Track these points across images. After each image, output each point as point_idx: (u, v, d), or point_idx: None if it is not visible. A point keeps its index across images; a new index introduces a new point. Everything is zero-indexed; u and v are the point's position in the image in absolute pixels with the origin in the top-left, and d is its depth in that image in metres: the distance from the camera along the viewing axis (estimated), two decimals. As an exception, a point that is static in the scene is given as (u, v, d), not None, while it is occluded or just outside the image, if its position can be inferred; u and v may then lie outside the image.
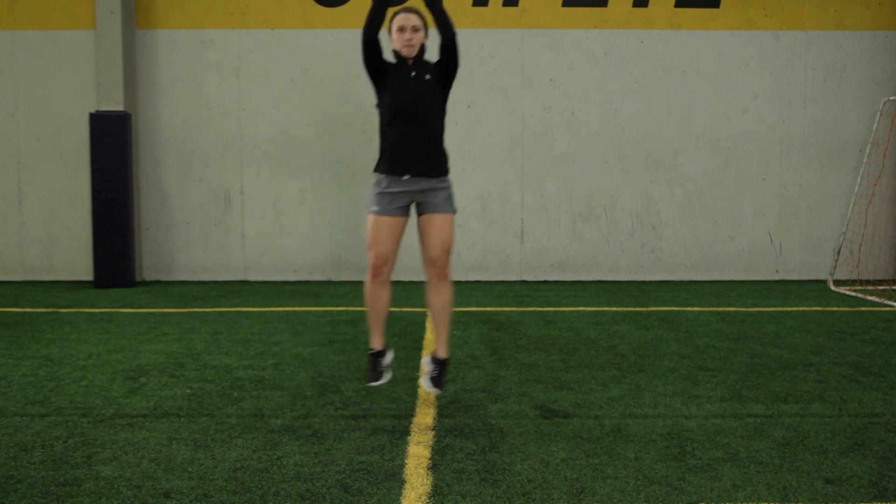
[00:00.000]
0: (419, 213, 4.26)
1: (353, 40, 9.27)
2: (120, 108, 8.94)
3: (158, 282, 9.40)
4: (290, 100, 9.37)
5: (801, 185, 9.57)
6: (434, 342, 4.42)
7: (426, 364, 4.46)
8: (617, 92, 9.43)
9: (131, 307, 7.63)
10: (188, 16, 9.30)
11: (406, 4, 4.35)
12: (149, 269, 9.50)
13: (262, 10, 9.31)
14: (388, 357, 4.46)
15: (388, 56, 4.26)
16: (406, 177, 4.15)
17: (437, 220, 4.20)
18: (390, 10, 4.28)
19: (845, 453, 3.68)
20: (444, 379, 4.29)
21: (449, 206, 4.25)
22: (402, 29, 4.17)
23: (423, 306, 7.63)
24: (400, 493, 3.23)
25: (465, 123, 9.39)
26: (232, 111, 9.36)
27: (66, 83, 9.26)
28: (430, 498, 3.19)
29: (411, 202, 4.23)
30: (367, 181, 9.37)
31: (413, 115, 4.13)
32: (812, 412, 4.31)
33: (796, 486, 3.31)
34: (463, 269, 9.51)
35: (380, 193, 4.19)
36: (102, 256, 8.91)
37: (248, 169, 9.41)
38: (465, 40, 9.34)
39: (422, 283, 9.31)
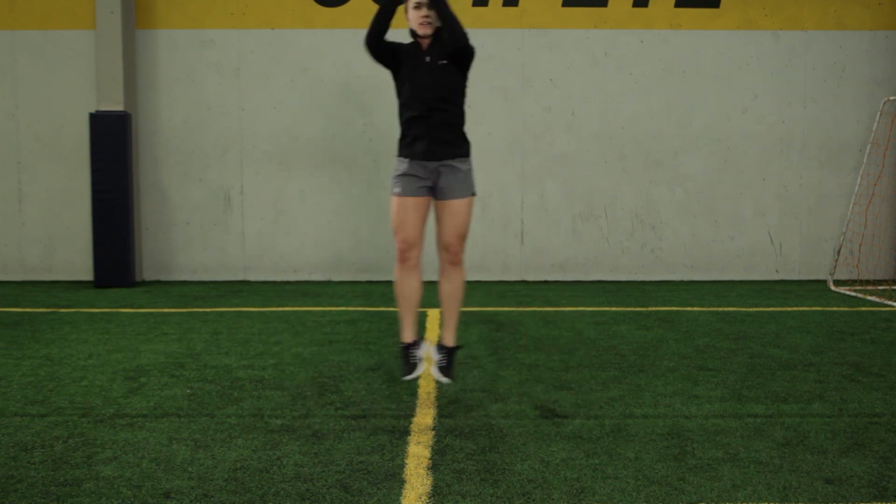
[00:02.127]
0: (436, 198, 4.21)
1: (353, 40, 9.27)
2: (120, 108, 8.94)
3: (158, 282, 9.40)
4: (290, 100, 9.37)
5: (801, 185, 9.57)
6: (441, 329, 4.35)
7: (432, 353, 4.37)
8: (617, 92, 9.43)
9: (131, 307, 7.63)
10: (188, 16, 9.30)
11: None
12: (149, 269, 9.50)
13: (262, 10, 9.31)
14: (423, 348, 4.35)
15: (403, 38, 4.15)
16: (427, 161, 4.12)
17: (452, 206, 4.17)
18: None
19: (845, 453, 3.68)
20: (454, 368, 4.22)
21: (466, 191, 4.19)
22: (418, 6, 4.07)
23: (422, 306, 7.62)
24: (400, 493, 3.23)
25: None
26: (232, 111, 9.36)
27: (66, 83, 9.26)
28: (430, 498, 3.19)
29: (433, 184, 4.18)
30: (367, 181, 9.38)
31: (430, 101, 4.07)
32: (812, 412, 4.31)
33: (796, 486, 3.31)
34: (463, 269, 9.50)
35: (401, 175, 4.15)
36: (102, 256, 8.91)
37: (248, 169, 9.41)
38: (465, 40, 9.34)
39: (425, 281, 9.30)
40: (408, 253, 4.15)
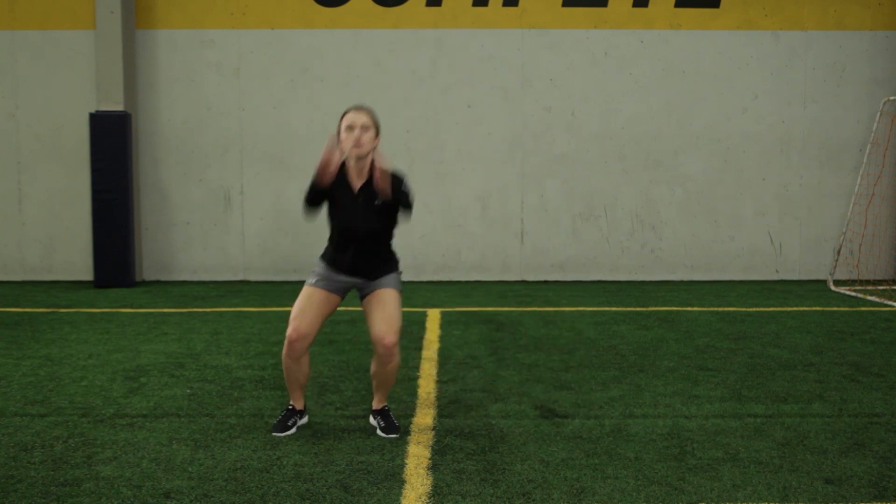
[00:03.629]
0: (363, 294, 4.01)
1: (353, 40, 9.28)
2: (120, 108, 8.94)
3: (158, 282, 9.40)
4: (290, 100, 9.37)
5: (801, 185, 9.57)
6: (374, 396, 4.09)
7: (371, 419, 4.10)
8: (617, 92, 9.43)
9: (131, 307, 7.63)
10: (188, 16, 9.30)
11: (357, 105, 4.09)
12: (149, 269, 9.50)
13: (262, 10, 9.31)
14: (304, 419, 4.11)
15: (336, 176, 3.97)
16: (349, 276, 3.99)
17: (383, 296, 3.93)
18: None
19: (845, 453, 3.68)
20: (394, 421, 4.00)
21: (396, 285, 4.00)
22: (350, 127, 3.90)
23: (422, 306, 7.63)
24: (400, 493, 3.23)
25: (465, 123, 9.40)
26: (232, 111, 9.36)
27: (66, 83, 9.26)
28: (430, 498, 3.19)
29: (352, 288, 4.04)
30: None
31: (359, 237, 3.93)
32: (812, 412, 4.31)
33: (796, 486, 3.31)
34: (463, 269, 9.51)
35: (320, 273, 4.00)
36: (102, 256, 8.91)
37: (248, 169, 9.41)
38: (466, 40, 9.35)
39: (419, 283, 9.32)
40: (296, 344, 3.86)
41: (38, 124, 9.31)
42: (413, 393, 4.66)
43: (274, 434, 3.93)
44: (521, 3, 9.33)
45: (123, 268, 8.95)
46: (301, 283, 9.95)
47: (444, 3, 9.30)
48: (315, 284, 3.98)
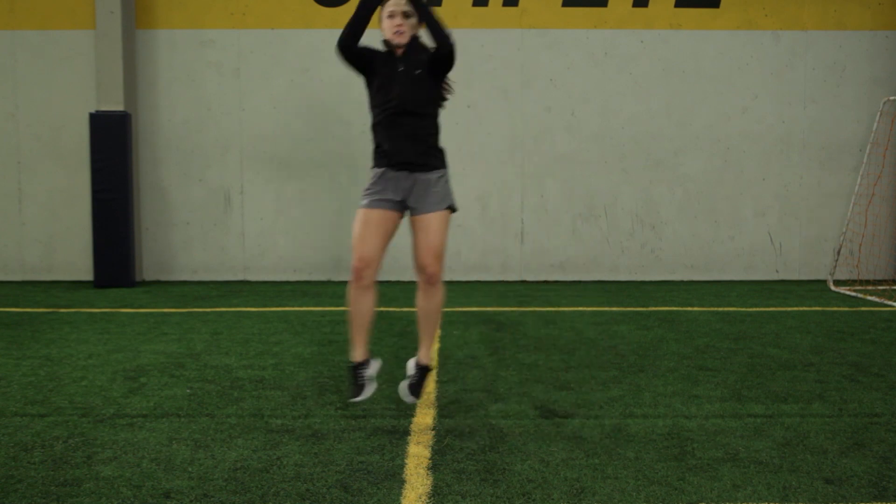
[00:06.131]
0: (411, 214, 3.97)
1: (353, 40, 9.28)
2: (120, 108, 8.94)
3: (158, 282, 9.40)
4: (290, 100, 9.37)
5: (801, 185, 9.57)
6: (419, 347, 4.14)
7: (410, 367, 4.19)
8: (617, 92, 9.43)
9: (131, 307, 7.63)
10: (188, 16, 9.30)
11: None
12: (149, 269, 9.50)
13: (262, 10, 9.31)
14: (373, 367, 4.10)
15: (377, 44, 3.98)
16: (400, 172, 3.92)
17: (427, 221, 3.90)
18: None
19: (845, 453, 3.68)
20: (423, 388, 3.98)
21: (443, 204, 3.93)
22: (392, 15, 3.88)
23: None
24: (400, 493, 3.23)
25: (465, 123, 9.40)
26: (232, 111, 9.36)
27: (66, 83, 9.26)
28: (430, 498, 3.18)
29: (405, 198, 3.96)
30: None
31: (403, 113, 3.88)
32: (812, 412, 4.30)
33: (796, 486, 3.31)
34: (463, 269, 9.51)
35: (372, 187, 3.94)
36: (102, 256, 8.91)
37: (248, 169, 9.41)
38: (465, 40, 9.34)
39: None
40: (363, 272, 3.83)
41: (38, 124, 9.31)
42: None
43: (354, 400, 3.94)
44: (521, 3, 9.33)
45: (123, 268, 8.95)
46: (301, 283, 9.98)
47: (443, 3, 9.31)
48: (369, 206, 3.90)
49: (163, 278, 9.50)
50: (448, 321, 6.89)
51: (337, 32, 9.40)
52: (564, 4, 9.36)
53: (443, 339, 6.18)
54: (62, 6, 9.21)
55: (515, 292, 8.63)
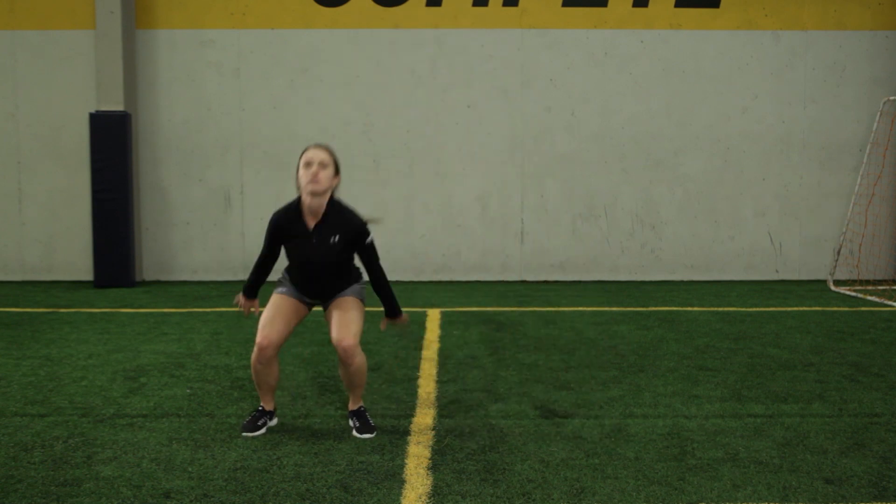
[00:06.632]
0: (325, 307, 4.07)
1: (353, 40, 9.28)
2: (120, 108, 8.94)
3: (158, 282, 9.40)
4: (290, 100, 9.37)
5: (801, 185, 9.57)
6: (349, 397, 4.10)
7: (350, 419, 4.08)
8: (617, 92, 9.43)
9: (131, 307, 7.63)
10: (188, 16, 9.30)
11: (318, 143, 4.16)
12: (149, 269, 9.50)
13: (262, 10, 9.31)
14: (273, 421, 4.09)
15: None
16: (314, 298, 4.08)
17: (339, 303, 3.98)
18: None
19: (845, 453, 3.68)
20: (370, 422, 3.99)
21: (354, 293, 4.04)
22: (308, 164, 3.95)
23: (422, 306, 7.63)
24: (400, 493, 3.23)
25: (465, 123, 9.40)
26: (232, 111, 9.36)
27: (66, 83, 9.26)
28: (430, 498, 3.19)
29: (317, 300, 4.10)
30: (367, 181, 9.37)
31: (314, 271, 3.97)
32: (812, 412, 4.31)
33: (796, 486, 3.31)
34: (463, 269, 9.51)
35: (289, 284, 4.06)
36: (102, 256, 8.91)
37: (248, 169, 9.41)
38: (466, 40, 9.35)
39: (420, 282, 9.32)
40: (266, 350, 3.86)
41: (38, 124, 9.30)
42: (413, 393, 4.66)
43: (244, 434, 3.92)
44: (521, 3, 9.33)
45: (123, 268, 8.95)
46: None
47: (444, 3, 9.30)
48: (286, 293, 4.04)
49: (163, 278, 9.50)
50: (448, 321, 6.89)
51: (337, 32, 9.38)
52: (564, 4, 9.35)
53: (443, 339, 6.18)
54: (62, 6, 9.21)
55: (515, 292, 8.63)
